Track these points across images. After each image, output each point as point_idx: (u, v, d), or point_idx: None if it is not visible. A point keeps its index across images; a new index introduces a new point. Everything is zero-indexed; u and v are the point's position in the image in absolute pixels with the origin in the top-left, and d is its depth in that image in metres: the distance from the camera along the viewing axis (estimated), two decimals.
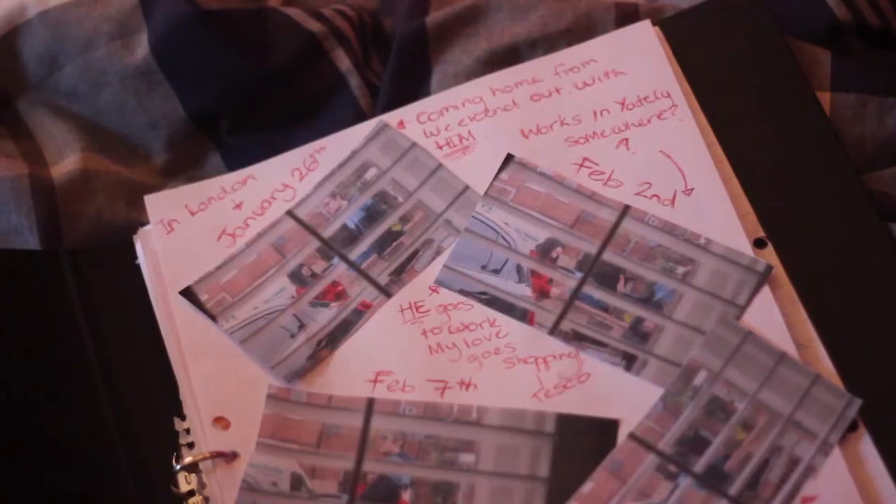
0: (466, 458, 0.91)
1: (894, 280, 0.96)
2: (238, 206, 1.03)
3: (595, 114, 1.03)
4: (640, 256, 0.97)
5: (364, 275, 0.99)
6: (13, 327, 0.98)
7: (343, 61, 1.10)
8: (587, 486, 0.90)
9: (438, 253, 0.99)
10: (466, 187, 1.02)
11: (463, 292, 0.98)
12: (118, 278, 1.01)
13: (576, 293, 0.97)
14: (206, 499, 0.92)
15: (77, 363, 0.98)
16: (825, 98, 1.04)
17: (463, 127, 1.04)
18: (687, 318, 0.95)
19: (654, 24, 1.06)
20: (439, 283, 0.98)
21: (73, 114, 1.10)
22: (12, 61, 1.11)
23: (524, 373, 0.94)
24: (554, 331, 0.95)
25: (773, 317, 0.94)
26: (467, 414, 0.93)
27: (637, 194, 1.00)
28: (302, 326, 0.97)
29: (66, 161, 1.07)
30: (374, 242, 1.00)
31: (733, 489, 0.89)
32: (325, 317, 0.97)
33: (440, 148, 1.03)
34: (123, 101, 1.09)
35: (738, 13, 1.06)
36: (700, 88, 1.04)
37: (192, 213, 1.03)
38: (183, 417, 0.95)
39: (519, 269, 0.98)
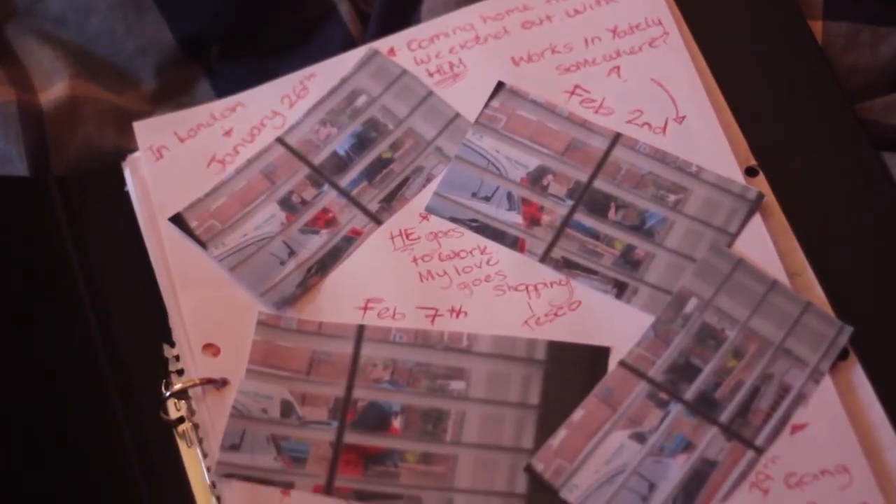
0: (457, 385, 0.89)
1: (886, 209, 0.94)
2: (227, 133, 1.00)
3: (586, 41, 1.00)
4: (631, 184, 0.95)
5: (354, 202, 0.96)
6: (1, 254, 0.96)
7: None
8: (578, 414, 0.88)
9: (429, 180, 0.97)
10: (457, 115, 0.99)
11: (453, 220, 0.95)
12: (107, 205, 0.99)
13: (567, 221, 0.94)
14: (196, 425, 0.90)
15: (66, 290, 0.95)
16: (817, 27, 1.01)
17: (453, 54, 1.01)
18: (678, 246, 0.93)
19: None
20: (430, 210, 0.96)
21: (62, 40, 1.07)
22: None
23: (515, 300, 0.92)
24: (545, 258, 0.93)
25: (764, 245, 0.93)
26: (458, 341, 0.91)
27: (628, 122, 0.98)
28: (292, 253, 0.94)
29: (54, 87, 1.04)
30: (365, 169, 0.97)
31: (724, 416, 0.87)
32: (315, 244, 0.95)
33: (431, 75, 1.00)
34: (112, 27, 1.06)
35: None
36: (692, 16, 1.01)
37: (182, 140, 1.00)
38: (172, 344, 0.93)
39: (510, 196, 0.95)
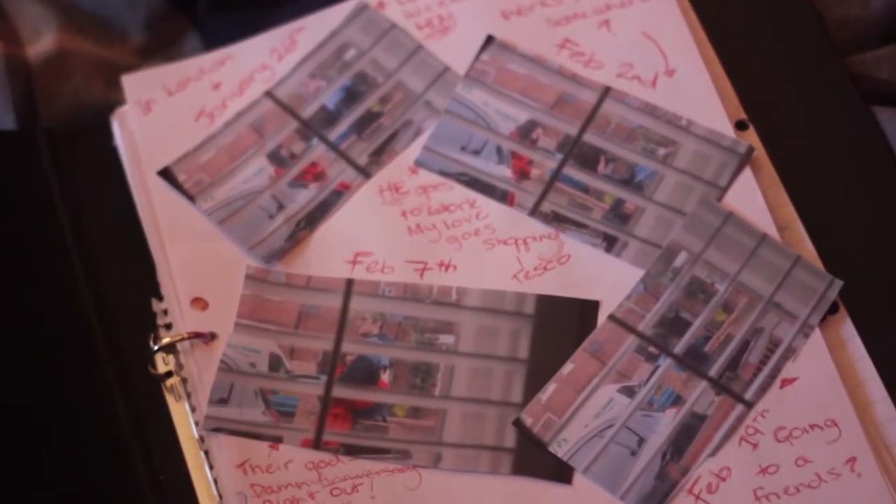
0: (446, 339, 0.87)
1: (876, 163, 0.93)
2: (216, 87, 0.97)
3: None
4: (620, 138, 0.93)
5: (343, 155, 0.94)
6: None
7: None
8: (567, 368, 0.86)
9: (418, 134, 0.95)
10: (446, 68, 0.97)
11: (442, 173, 0.93)
12: (95, 159, 0.97)
13: (556, 174, 0.92)
14: (184, 380, 0.88)
15: (54, 244, 0.94)
16: None
17: (443, 8, 0.98)
18: (668, 200, 0.91)
19: None
20: (419, 164, 0.94)
21: None
22: None
23: (504, 254, 0.90)
24: (534, 212, 0.91)
25: (754, 198, 0.91)
26: (447, 295, 0.89)
27: (618, 76, 0.96)
28: (280, 207, 0.92)
29: (42, 40, 1.02)
30: (354, 123, 0.95)
31: (713, 371, 0.85)
32: (304, 197, 0.93)
33: (420, 29, 0.98)
34: None
35: None
36: None
37: (170, 94, 0.97)
38: (160, 298, 0.91)
39: (499, 150, 0.93)
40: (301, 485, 0.84)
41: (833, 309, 0.87)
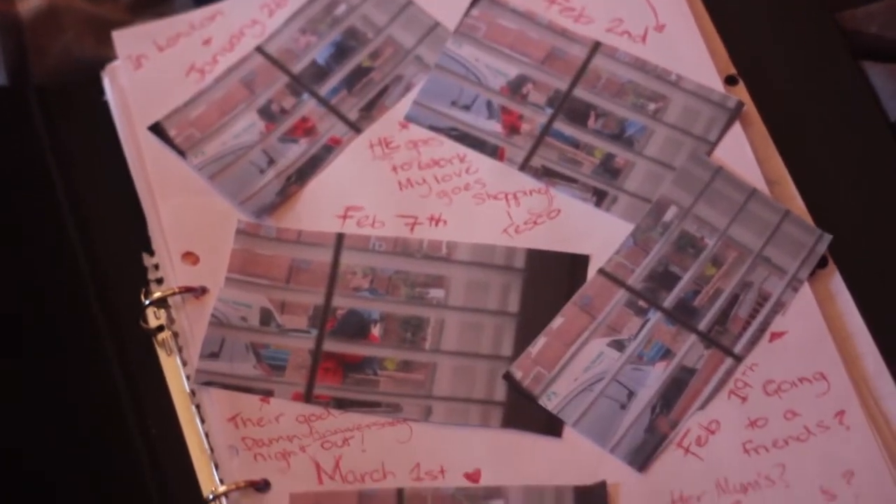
0: (436, 293, 0.86)
1: (866, 117, 0.92)
2: (207, 42, 0.96)
3: None
4: (610, 93, 0.91)
5: (334, 110, 0.92)
6: None
7: None
8: (557, 322, 0.85)
9: (408, 89, 0.93)
10: (437, 23, 0.95)
11: (433, 128, 0.92)
12: (87, 114, 0.95)
13: (546, 129, 0.91)
14: (175, 334, 0.86)
15: (45, 199, 0.92)
16: None
17: None
18: (657, 154, 0.89)
19: None
20: (409, 118, 0.92)
21: None
22: None
23: (494, 208, 0.89)
24: (524, 167, 0.90)
25: (743, 153, 0.90)
26: (437, 249, 0.87)
27: (608, 31, 0.94)
28: (271, 162, 0.90)
29: None
30: (344, 78, 0.93)
31: (703, 324, 0.84)
32: (295, 152, 0.91)
33: None
34: None
35: None
36: None
37: (161, 50, 0.96)
38: (151, 253, 0.89)
39: (489, 105, 0.91)
40: (292, 438, 0.82)
41: (822, 263, 0.86)
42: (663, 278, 0.85)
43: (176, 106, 0.93)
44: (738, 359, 0.83)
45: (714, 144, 0.89)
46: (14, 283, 0.89)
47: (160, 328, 0.87)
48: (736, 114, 0.90)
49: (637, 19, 0.94)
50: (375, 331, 0.85)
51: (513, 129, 0.91)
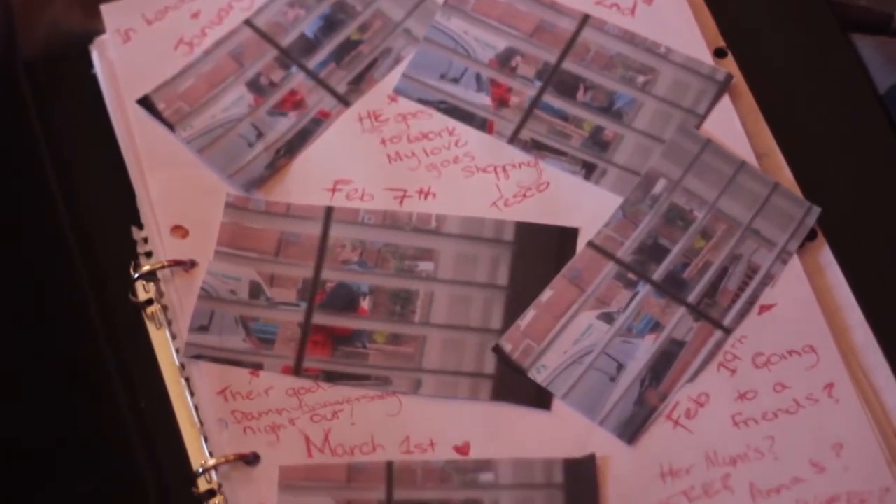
0: (425, 266, 0.85)
1: (855, 90, 0.91)
2: (195, 15, 0.94)
3: None
4: (599, 65, 0.90)
5: (322, 83, 0.91)
6: None
7: None
8: (546, 295, 0.83)
9: (397, 62, 0.92)
10: None
11: (422, 101, 0.90)
12: (75, 88, 0.93)
13: (535, 102, 0.90)
14: (165, 307, 0.85)
15: (34, 173, 0.91)
16: None
17: None
18: (647, 127, 0.89)
19: None
20: (398, 91, 0.91)
21: None
22: None
23: (483, 181, 0.88)
24: (513, 139, 0.88)
25: (732, 126, 0.89)
26: (426, 222, 0.86)
27: (597, 3, 0.93)
28: (260, 135, 0.89)
29: None
30: (333, 51, 0.92)
31: (692, 297, 0.83)
32: (284, 126, 0.90)
33: None
34: None
35: None
36: None
37: (149, 23, 0.94)
38: (141, 226, 0.88)
39: (478, 77, 0.90)
40: (281, 411, 0.81)
41: (811, 235, 0.85)
42: (652, 251, 0.84)
43: (164, 79, 0.91)
44: (728, 331, 0.82)
45: (703, 117, 0.88)
46: (1, 256, 0.87)
47: (149, 302, 0.86)
48: (725, 86, 0.89)
49: None
50: (365, 304, 0.84)
51: (502, 102, 0.90)
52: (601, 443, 0.80)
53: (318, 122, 0.90)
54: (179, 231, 0.87)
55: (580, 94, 0.90)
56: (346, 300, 0.84)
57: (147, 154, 0.89)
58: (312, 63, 0.92)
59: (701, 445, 0.80)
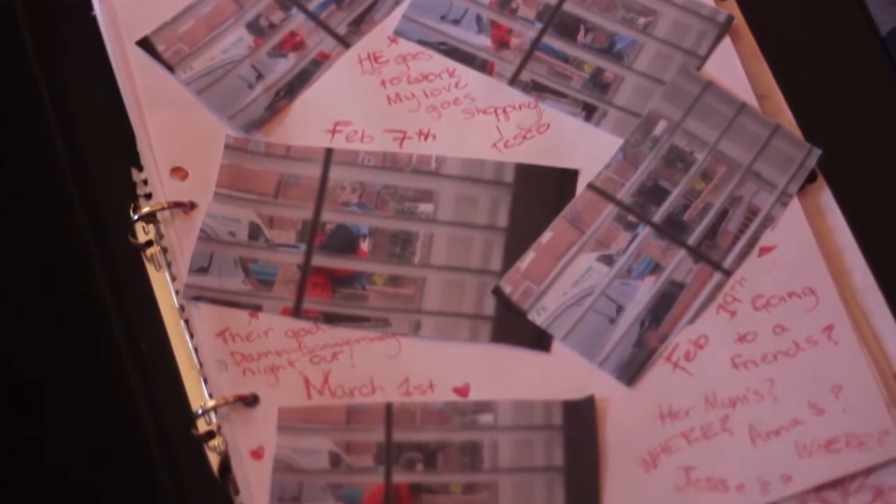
0: (425, 207, 0.83)
1: (856, 31, 0.89)
2: None
3: None
4: (600, 7, 0.88)
5: (322, 25, 0.89)
6: None
7: None
8: (546, 236, 0.81)
9: (397, 3, 0.90)
10: None
11: (422, 43, 0.88)
12: (75, 30, 0.91)
13: (535, 43, 0.87)
14: (164, 249, 0.83)
15: (34, 115, 0.88)
16: None
17: None
18: (647, 69, 0.86)
19: None
20: (398, 33, 0.88)
21: None
22: None
23: (483, 123, 0.86)
24: (513, 81, 0.86)
25: (733, 68, 0.87)
26: (426, 164, 0.84)
27: None
28: (260, 77, 0.87)
29: None
30: None
31: (692, 239, 0.81)
32: (283, 67, 0.87)
33: None
34: None
35: None
36: None
37: None
38: (140, 168, 0.86)
39: (478, 19, 0.88)
40: (281, 353, 0.80)
41: (811, 178, 0.83)
42: (652, 193, 0.82)
43: (164, 21, 0.89)
44: (727, 273, 0.80)
45: (704, 59, 0.86)
46: (1, 199, 0.86)
47: (149, 243, 0.84)
48: (726, 28, 0.87)
49: None
50: (364, 245, 0.82)
51: (502, 43, 0.87)
52: (600, 384, 0.79)
53: (318, 64, 0.88)
54: (179, 173, 0.84)
55: (580, 36, 0.87)
56: (345, 242, 0.82)
57: (147, 96, 0.87)
58: (312, 4, 0.89)
59: (700, 387, 0.78)
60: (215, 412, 0.79)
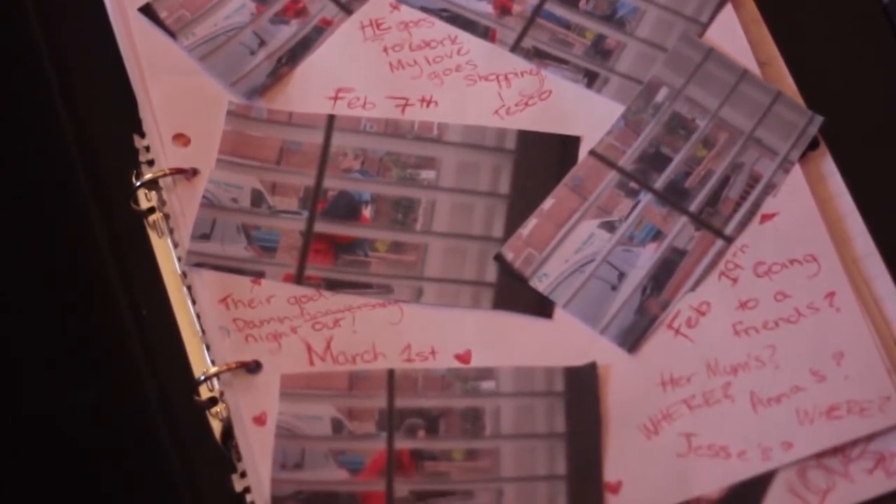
0: (427, 174, 0.81)
1: None
2: None
3: None
4: None
5: None
6: None
7: None
8: (548, 203, 0.79)
9: None
10: None
11: (424, 9, 0.86)
12: None
13: (538, 10, 0.85)
14: (167, 215, 0.81)
15: (36, 81, 0.86)
16: None
17: None
18: (649, 35, 0.84)
19: None
20: (400, 0, 0.86)
21: None
22: None
23: (485, 90, 0.83)
24: (515, 48, 0.84)
25: (735, 34, 0.84)
26: (428, 131, 0.81)
27: None
28: (262, 43, 0.84)
29: None
30: None
31: (693, 206, 0.79)
32: (286, 34, 0.85)
33: None
34: None
35: None
36: None
37: None
38: (142, 135, 0.84)
39: None
40: (283, 319, 0.78)
41: (813, 145, 0.81)
42: (654, 159, 0.80)
43: None
44: (729, 240, 0.78)
45: (706, 25, 0.84)
46: (3, 164, 0.84)
47: (151, 210, 0.82)
48: None
49: None
50: (366, 212, 0.80)
51: (504, 10, 0.85)
52: (602, 351, 0.77)
53: (320, 31, 0.85)
54: (181, 139, 0.82)
55: (582, 3, 0.85)
56: (347, 208, 0.80)
57: (149, 62, 0.84)
58: None
59: (702, 354, 0.76)
60: (217, 379, 0.77)
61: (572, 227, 0.79)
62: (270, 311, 0.78)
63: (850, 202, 0.80)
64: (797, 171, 0.80)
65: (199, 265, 0.79)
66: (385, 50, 0.85)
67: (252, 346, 0.77)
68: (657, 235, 0.78)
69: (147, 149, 0.83)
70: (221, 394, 0.77)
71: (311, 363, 0.77)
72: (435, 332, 0.78)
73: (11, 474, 0.78)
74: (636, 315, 0.77)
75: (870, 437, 0.74)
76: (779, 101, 0.81)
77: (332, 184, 0.81)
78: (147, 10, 0.85)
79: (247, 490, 0.75)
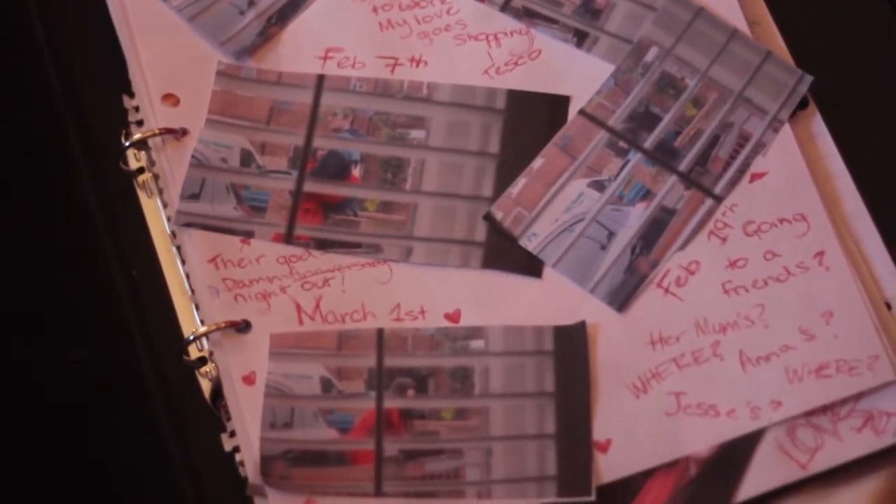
0: (416, 134, 0.78)
1: None
2: None
3: None
4: None
5: None
6: None
7: None
8: (537, 162, 0.77)
9: None
10: None
11: None
12: None
13: None
14: (156, 175, 0.78)
15: (25, 41, 0.83)
16: None
17: None
18: None
19: None
20: None
21: None
22: None
23: (475, 49, 0.80)
24: (505, 7, 0.81)
25: None
26: (418, 90, 0.78)
27: None
28: (251, 3, 0.82)
29: None
30: None
31: (683, 165, 0.76)
32: None
33: None
34: None
35: None
36: None
37: None
38: (132, 95, 0.81)
39: None
40: (272, 279, 0.75)
41: (803, 104, 0.78)
42: (644, 119, 0.77)
43: None
44: (718, 199, 0.75)
45: None
46: None
47: (140, 170, 0.79)
48: None
49: None
50: (356, 171, 0.77)
51: None
52: (592, 310, 0.74)
53: None
54: (171, 99, 0.79)
55: None
56: (337, 168, 0.77)
57: (138, 22, 0.81)
58: None
59: (691, 313, 0.73)
60: (207, 338, 0.74)
61: (562, 187, 0.76)
62: (260, 271, 0.75)
63: (840, 162, 0.77)
64: (787, 130, 0.77)
65: (188, 225, 0.76)
66: (374, 10, 0.82)
67: (241, 305, 0.74)
68: (646, 195, 0.76)
69: (136, 109, 0.80)
70: (211, 353, 0.74)
71: (301, 322, 0.74)
72: (424, 292, 0.75)
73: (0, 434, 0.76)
74: (625, 274, 0.74)
75: (859, 396, 0.72)
76: (768, 61, 0.78)
77: (322, 143, 0.78)
78: None
79: (236, 449, 0.73)
